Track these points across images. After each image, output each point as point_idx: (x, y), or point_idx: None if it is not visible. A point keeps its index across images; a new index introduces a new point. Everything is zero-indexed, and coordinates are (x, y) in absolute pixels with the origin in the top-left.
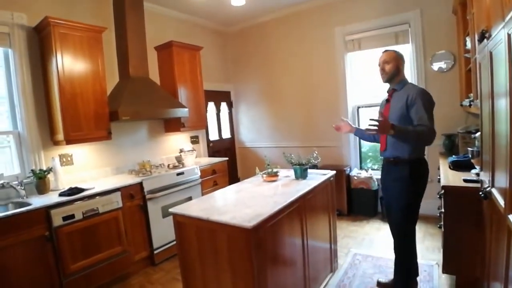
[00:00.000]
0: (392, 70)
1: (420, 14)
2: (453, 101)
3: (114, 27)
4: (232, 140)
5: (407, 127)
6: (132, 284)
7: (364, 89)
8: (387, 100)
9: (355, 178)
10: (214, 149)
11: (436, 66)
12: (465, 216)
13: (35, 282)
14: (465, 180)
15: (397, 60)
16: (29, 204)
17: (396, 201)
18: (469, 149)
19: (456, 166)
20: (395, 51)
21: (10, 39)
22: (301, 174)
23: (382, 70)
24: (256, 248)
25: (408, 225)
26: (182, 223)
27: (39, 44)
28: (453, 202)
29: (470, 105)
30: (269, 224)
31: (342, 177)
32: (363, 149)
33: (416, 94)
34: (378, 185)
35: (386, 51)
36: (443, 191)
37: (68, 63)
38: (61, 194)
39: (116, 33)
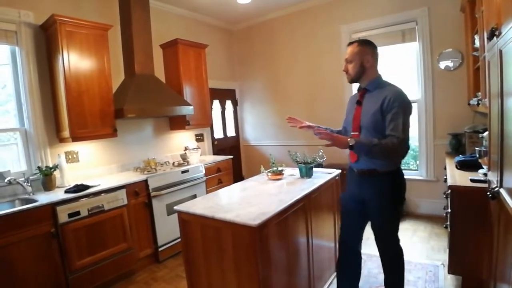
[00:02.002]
0: (356, 70)
1: (428, 11)
2: (460, 100)
3: (120, 24)
4: (237, 138)
5: (372, 140)
6: (136, 281)
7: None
8: (358, 102)
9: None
10: (219, 147)
11: (443, 64)
12: (472, 217)
13: (41, 278)
14: (472, 180)
15: (360, 55)
16: (35, 201)
17: (377, 219)
18: (477, 148)
19: (463, 165)
20: (359, 42)
21: (17, 37)
22: (306, 172)
23: (345, 71)
24: (261, 246)
25: (396, 243)
26: (187, 221)
27: (46, 42)
28: (460, 202)
29: (478, 104)
30: (274, 222)
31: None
32: None
33: (394, 98)
34: None
35: (351, 43)
36: (449, 191)
37: (74, 61)
38: (67, 191)
39: (121, 30)
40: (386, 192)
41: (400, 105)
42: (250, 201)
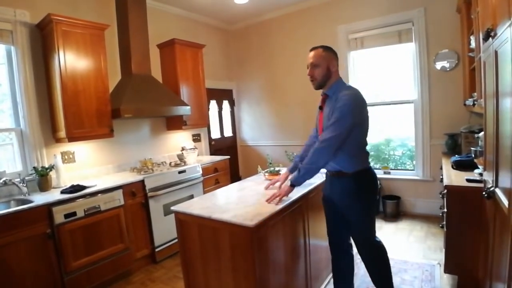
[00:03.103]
0: (323, 75)
1: (424, 12)
2: (456, 100)
3: (117, 24)
4: (234, 138)
5: (299, 170)
6: (133, 281)
7: (367, 87)
8: (320, 108)
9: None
10: (216, 147)
11: (439, 65)
12: (468, 216)
13: (37, 279)
14: (468, 180)
15: (327, 60)
16: (31, 202)
17: (348, 219)
18: (472, 148)
19: (459, 165)
20: (323, 48)
21: (12, 36)
22: None
23: (311, 76)
24: (258, 247)
25: (372, 240)
26: (184, 221)
27: (42, 41)
28: (456, 202)
29: (473, 105)
30: (271, 222)
31: None
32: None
33: (340, 99)
34: (379, 184)
35: (314, 48)
36: (445, 191)
37: (70, 60)
38: (63, 192)
39: (118, 30)
40: (352, 192)
41: (342, 104)
42: (247, 201)
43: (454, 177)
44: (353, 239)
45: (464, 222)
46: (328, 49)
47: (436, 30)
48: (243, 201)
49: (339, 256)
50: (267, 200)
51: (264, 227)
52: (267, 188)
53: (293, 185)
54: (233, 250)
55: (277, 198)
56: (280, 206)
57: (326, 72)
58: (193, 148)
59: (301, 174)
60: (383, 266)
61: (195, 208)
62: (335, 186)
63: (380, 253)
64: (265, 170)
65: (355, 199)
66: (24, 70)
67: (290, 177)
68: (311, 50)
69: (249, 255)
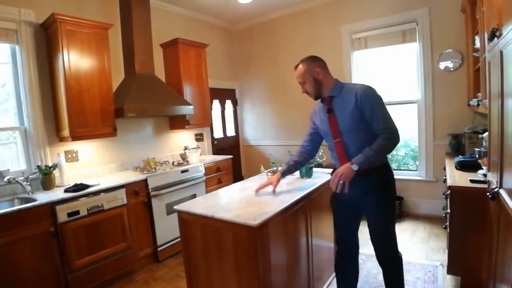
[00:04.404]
0: (313, 87)
1: (428, 12)
2: (460, 100)
3: (120, 24)
4: (236, 138)
5: (367, 152)
6: (136, 280)
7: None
8: (329, 110)
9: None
10: (219, 146)
11: (443, 65)
12: (472, 217)
13: (41, 277)
14: (472, 181)
15: (308, 72)
16: (34, 200)
17: (374, 219)
18: (476, 149)
19: (463, 166)
20: (302, 62)
21: (17, 36)
22: (306, 172)
23: (305, 92)
24: (261, 246)
25: (395, 247)
26: (187, 221)
27: (46, 40)
28: (459, 202)
29: (478, 105)
30: (274, 222)
31: None
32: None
33: (364, 92)
34: None
35: (296, 67)
36: (449, 192)
37: (74, 60)
38: (66, 190)
39: (122, 30)
40: (380, 188)
41: (373, 97)
42: (250, 201)
43: (457, 178)
44: (376, 244)
45: (468, 223)
46: (306, 61)
47: (440, 30)
48: (246, 201)
49: (349, 258)
50: (334, 189)
51: (267, 227)
52: (257, 191)
53: (354, 163)
54: (236, 249)
55: (340, 184)
56: (283, 206)
57: (314, 83)
58: (196, 148)
59: (370, 156)
60: (401, 272)
61: (198, 208)
62: (358, 186)
63: (400, 262)
64: (268, 170)
65: (384, 194)
66: (28, 69)
67: (354, 160)
68: (295, 68)
69: (252, 255)
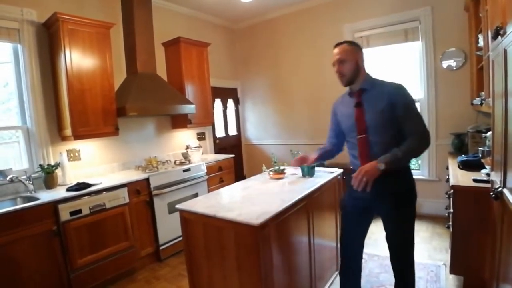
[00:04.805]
0: (353, 70)
1: (431, 11)
2: (463, 99)
3: (122, 23)
4: (238, 137)
5: (396, 153)
6: (138, 279)
7: None
8: (357, 104)
9: (344, 178)
10: (220, 146)
11: (446, 64)
12: (475, 217)
13: (43, 275)
14: (475, 180)
15: (354, 54)
16: (37, 199)
17: (393, 225)
18: (480, 148)
19: (466, 165)
20: (349, 43)
21: (19, 35)
22: (308, 172)
23: (339, 73)
24: (263, 246)
25: (412, 258)
26: (189, 220)
27: (48, 40)
28: (462, 202)
29: (481, 104)
30: (276, 221)
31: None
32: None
33: (400, 92)
34: None
35: (338, 44)
36: (452, 191)
37: (76, 59)
38: (68, 189)
39: (124, 29)
40: (399, 191)
41: (407, 96)
42: (252, 200)
43: (460, 177)
44: (392, 249)
45: (471, 223)
46: (353, 44)
47: (443, 28)
48: (247, 200)
49: (354, 258)
50: (355, 186)
51: (269, 226)
52: (297, 164)
53: (381, 162)
54: (238, 249)
55: (363, 182)
56: (285, 205)
57: (355, 66)
58: (198, 147)
59: (398, 157)
60: (413, 284)
61: (200, 207)
62: (378, 188)
63: (414, 271)
64: (270, 169)
65: (404, 202)
66: (30, 69)
67: (381, 159)
68: (335, 46)
69: (254, 254)
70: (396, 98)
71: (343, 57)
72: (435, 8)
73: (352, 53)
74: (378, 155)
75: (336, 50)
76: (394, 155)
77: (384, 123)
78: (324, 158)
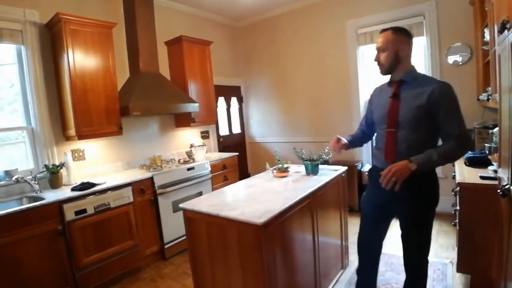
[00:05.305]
0: (390, 60)
1: (436, 5)
2: (469, 95)
3: (124, 22)
4: (242, 135)
5: (432, 154)
6: (143, 277)
7: (377, 83)
8: (394, 95)
9: (367, 174)
10: (224, 144)
11: (451, 59)
12: (482, 214)
13: (49, 275)
14: (482, 177)
15: (395, 43)
16: (42, 199)
17: (410, 227)
18: (486, 145)
19: (472, 162)
20: (393, 30)
21: (22, 36)
22: (312, 170)
23: (377, 61)
24: (266, 244)
25: (427, 263)
26: (192, 219)
27: (51, 40)
28: (469, 199)
29: (488, 99)
30: (279, 220)
31: (353, 173)
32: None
33: (444, 91)
34: None
35: (383, 31)
36: (458, 188)
37: (79, 59)
38: (73, 189)
39: (126, 28)
40: (422, 194)
41: (452, 97)
42: (255, 199)
43: (467, 174)
44: (407, 250)
45: (478, 221)
46: (399, 32)
47: (448, 23)
48: (251, 198)
49: (370, 259)
50: (384, 185)
51: (272, 225)
52: (337, 149)
53: (412, 162)
54: (241, 247)
55: (392, 181)
56: (289, 203)
57: (394, 57)
58: (202, 145)
59: (433, 160)
60: (425, 286)
61: (203, 206)
62: (404, 186)
63: (426, 273)
64: (274, 167)
65: (426, 205)
66: (34, 70)
67: (414, 159)
68: (380, 32)
69: (258, 253)
70: (438, 97)
71: (382, 46)
72: (440, 2)
73: (393, 42)
74: (404, 153)
75: (379, 38)
76: (429, 157)
77: (418, 121)
78: (355, 145)
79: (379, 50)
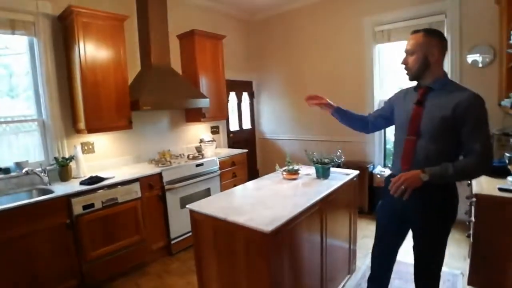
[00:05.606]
0: (418, 65)
1: (459, 3)
2: (490, 99)
3: (137, 15)
4: (252, 130)
5: (447, 168)
6: (149, 272)
7: (393, 82)
8: (418, 102)
9: (378, 176)
10: (234, 139)
11: (472, 60)
12: (498, 228)
13: (57, 268)
14: (501, 189)
15: (425, 47)
16: (51, 192)
17: (422, 241)
18: (507, 154)
19: (491, 171)
20: (425, 32)
21: (35, 28)
22: (323, 173)
23: (405, 64)
24: (273, 252)
25: (440, 267)
26: (199, 221)
27: (63, 33)
28: (485, 212)
29: (511, 106)
30: (288, 227)
31: (364, 174)
32: (388, 145)
33: (473, 104)
34: None
35: (413, 32)
36: (474, 199)
37: (90, 52)
38: (81, 183)
39: (138, 21)
40: (441, 205)
41: (481, 111)
42: (264, 203)
43: (485, 185)
44: (418, 263)
45: (494, 234)
46: (431, 34)
47: (471, 23)
48: (260, 202)
49: (383, 269)
50: (392, 192)
51: (281, 232)
52: (311, 101)
53: (425, 172)
54: (247, 253)
55: (401, 189)
56: (299, 210)
57: (423, 61)
58: (211, 141)
59: (448, 174)
60: None
61: (211, 208)
62: (414, 197)
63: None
64: (284, 169)
65: (446, 218)
66: (46, 62)
67: (427, 170)
68: (411, 33)
69: (264, 260)
70: (466, 110)
71: (411, 49)
72: (463, 0)
73: (424, 45)
74: (421, 163)
75: (409, 39)
76: (444, 170)
77: (440, 132)
78: (342, 118)
79: (407, 52)
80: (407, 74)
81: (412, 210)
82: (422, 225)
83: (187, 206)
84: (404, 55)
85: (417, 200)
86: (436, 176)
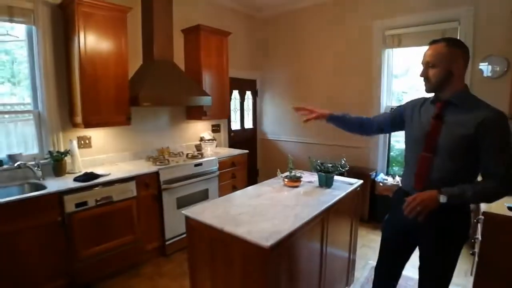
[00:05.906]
0: (440, 78)
1: (474, 11)
2: None
3: (141, 7)
4: (254, 130)
5: (466, 190)
6: (142, 273)
7: (401, 90)
8: (437, 116)
9: (381, 184)
10: (235, 139)
11: (484, 71)
12: (506, 248)
13: (48, 266)
14: (510, 208)
15: (450, 59)
16: (44, 187)
17: (431, 262)
18: None
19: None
20: (448, 42)
21: (34, 16)
22: (326, 182)
23: (425, 76)
24: (271, 266)
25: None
26: (195, 228)
27: (63, 22)
28: (493, 231)
29: None
30: (287, 242)
31: (366, 182)
32: (391, 153)
33: (497, 123)
34: None
35: (433, 42)
36: (482, 217)
37: (90, 44)
38: (76, 179)
39: (142, 14)
40: (452, 228)
41: (506, 132)
42: (263, 213)
43: (493, 203)
44: (424, 283)
45: (502, 255)
46: (454, 45)
47: (485, 32)
48: (259, 212)
49: (386, 286)
50: (406, 212)
51: (280, 247)
52: (298, 110)
53: (442, 193)
54: (244, 266)
55: (416, 211)
56: (300, 223)
57: (446, 74)
58: (212, 140)
59: (466, 197)
60: None
61: (207, 216)
62: (433, 219)
63: None
64: (285, 175)
65: (458, 241)
66: (44, 52)
67: (445, 191)
68: (430, 43)
69: (262, 275)
70: (489, 129)
71: (433, 61)
72: (479, 8)
73: (447, 57)
74: (436, 182)
75: (428, 50)
76: (463, 192)
77: (459, 151)
78: (343, 123)
79: (428, 65)
80: (426, 86)
81: (424, 232)
82: (434, 250)
83: (182, 211)
84: (424, 67)
85: (431, 223)
86: (454, 197)
